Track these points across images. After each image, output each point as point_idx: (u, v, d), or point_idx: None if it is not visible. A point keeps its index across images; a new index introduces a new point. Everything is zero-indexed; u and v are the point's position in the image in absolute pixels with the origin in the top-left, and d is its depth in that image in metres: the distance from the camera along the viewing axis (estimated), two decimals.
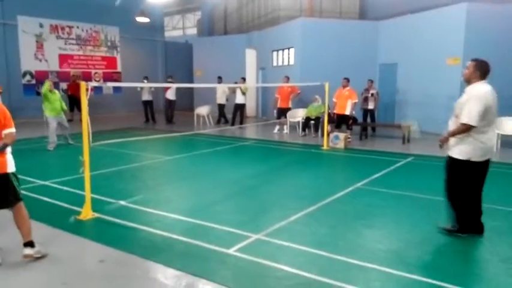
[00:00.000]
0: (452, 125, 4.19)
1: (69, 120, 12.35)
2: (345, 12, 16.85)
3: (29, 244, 3.65)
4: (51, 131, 9.44)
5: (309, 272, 3.46)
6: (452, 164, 4.19)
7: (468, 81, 4.12)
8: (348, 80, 10.90)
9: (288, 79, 12.73)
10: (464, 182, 4.16)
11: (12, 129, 3.61)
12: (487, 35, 11.02)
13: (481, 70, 4.04)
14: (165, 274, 3.51)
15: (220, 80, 14.88)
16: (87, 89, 4.63)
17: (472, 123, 3.88)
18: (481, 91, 3.96)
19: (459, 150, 4.09)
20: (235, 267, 3.60)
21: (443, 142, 4.23)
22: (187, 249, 3.98)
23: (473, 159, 4.04)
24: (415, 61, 12.76)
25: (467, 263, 3.86)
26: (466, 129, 3.95)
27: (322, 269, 3.55)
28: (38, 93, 16.36)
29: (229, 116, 14.46)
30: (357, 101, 10.92)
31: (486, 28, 11.07)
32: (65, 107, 9.79)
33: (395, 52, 13.60)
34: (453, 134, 4.08)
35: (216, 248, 3.93)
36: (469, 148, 4.02)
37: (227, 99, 14.76)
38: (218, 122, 14.99)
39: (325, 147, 9.79)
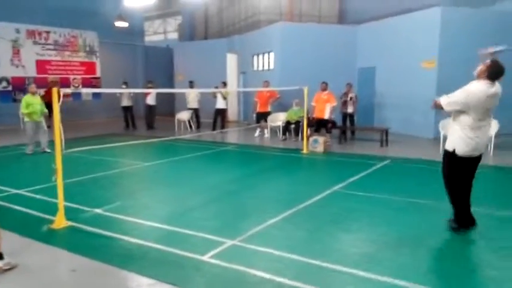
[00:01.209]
0: (452, 118, 4.31)
1: (48, 127, 12.14)
2: (324, 16, 17.02)
3: None
4: (28, 134, 9.37)
5: (284, 277, 3.47)
6: (443, 154, 4.40)
7: (477, 77, 4.19)
8: (326, 84, 11.01)
9: (268, 83, 12.82)
10: (452, 173, 4.33)
11: None
12: (460, 39, 11.28)
13: (490, 71, 4.09)
14: (139, 283, 3.47)
15: (191, 84, 14.84)
16: (59, 96, 4.56)
17: (443, 103, 4.15)
18: (473, 86, 4.08)
19: (448, 141, 4.29)
20: (210, 274, 3.58)
21: (433, 107, 4.41)
22: (162, 257, 3.94)
23: (458, 152, 4.18)
24: (393, 64, 12.98)
25: (442, 262, 3.92)
26: (437, 105, 4.22)
27: (298, 273, 3.56)
28: (15, 100, 16.08)
29: (209, 120, 14.41)
30: (335, 104, 11.04)
31: (460, 32, 11.34)
32: (45, 110, 9.64)
33: (373, 56, 13.80)
34: (434, 104, 4.30)
35: (191, 255, 3.91)
36: (455, 141, 4.18)
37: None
38: (199, 126, 14.92)
39: (304, 151, 9.85)
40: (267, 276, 3.49)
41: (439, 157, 8.87)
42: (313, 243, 4.29)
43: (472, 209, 4.46)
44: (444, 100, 4.16)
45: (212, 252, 3.96)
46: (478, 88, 4.05)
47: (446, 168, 4.40)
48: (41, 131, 9.53)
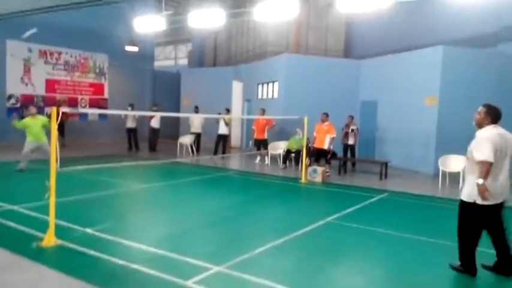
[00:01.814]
0: (468, 169, 4.27)
1: (63, 145, 12.30)
2: (330, 50, 17.36)
3: None
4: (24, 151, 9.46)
5: None
6: (460, 206, 4.23)
7: (479, 125, 4.20)
8: (327, 114, 11.10)
9: (263, 111, 13.03)
10: (471, 224, 4.15)
11: None
12: (462, 78, 11.43)
13: (492, 115, 4.13)
14: None
15: (197, 109, 15.03)
16: (58, 114, 4.68)
17: (489, 159, 3.89)
18: (488, 133, 4.05)
19: (466, 192, 4.14)
20: None
21: (484, 193, 3.92)
22: (146, 279, 3.93)
23: (479, 202, 4.01)
24: (395, 99, 13.10)
25: None
26: (486, 166, 3.90)
27: None
28: (22, 117, 16.34)
29: (211, 145, 14.51)
30: (335, 136, 11.07)
31: (461, 70, 11.49)
32: (44, 138, 9.46)
33: (375, 90, 13.96)
34: (482, 176, 3.90)
35: (175, 280, 3.89)
36: (474, 190, 3.98)
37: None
38: (198, 150, 15.00)
39: (303, 180, 9.86)
40: None
41: (437, 193, 8.93)
42: (299, 274, 4.26)
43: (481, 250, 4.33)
44: (483, 157, 3.90)
45: (196, 278, 3.94)
46: (493, 132, 4.05)
47: (464, 220, 4.21)
48: (41, 152, 9.45)
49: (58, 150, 4.74)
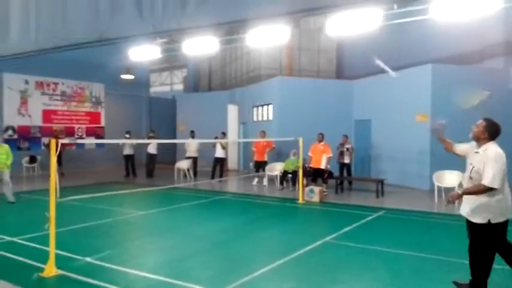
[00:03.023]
0: (467, 183, 4.15)
1: (62, 174, 12.35)
2: (323, 71, 17.69)
3: None
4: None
5: None
6: (475, 229, 4.07)
7: (477, 139, 4.11)
8: (322, 135, 11.29)
9: (264, 134, 13.19)
10: (487, 245, 4.03)
11: None
12: (450, 93, 11.64)
13: (491, 131, 4.02)
14: None
15: (193, 134, 15.18)
16: (57, 146, 4.79)
17: (495, 185, 3.83)
18: (498, 153, 3.93)
19: (477, 214, 3.99)
20: None
21: (454, 199, 4.09)
22: None
23: (493, 220, 3.93)
24: (388, 118, 13.32)
25: None
26: (485, 191, 3.88)
27: None
28: (19, 148, 16.45)
29: (209, 169, 14.58)
30: (331, 155, 11.25)
31: (449, 87, 11.67)
32: (8, 163, 9.51)
33: (368, 109, 14.19)
34: (469, 192, 3.98)
35: None
36: (487, 210, 3.93)
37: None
38: (195, 174, 15.05)
39: (300, 200, 9.92)
40: None
41: (433, 209, 9.01)
42: None
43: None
44: (491, 183, 3.83)
45: None
46: (499, 151, 3.96)
47: (479, 242, 4.04)
48: (4, 181, 9.43)
49: (57, 180, 4.83)
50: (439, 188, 9.85)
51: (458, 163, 10.22)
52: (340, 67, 18.56)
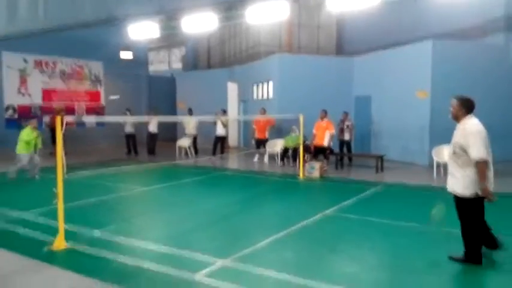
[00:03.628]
0: (450, 161, 4.35)
1: (51, 153, 12.47)
2: (323, 48, 17.60)
3: None
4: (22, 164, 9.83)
5: None
6: (460, 201, 4.27)
7: (456, 118, 4.30)
8: (325, 111, 11.35)
9: (264, 111, 13.23)
10: (475, 216, 4.22)
11: None
12: (451, 70, 11.67)
13: (466, 106, 4.23)
14: None
15: (191, 111, 15.21)
16: (62, 123, 4.87)
17: (484, 156, 3.99)
18: (474, 125, 4.13)
19: (463, 186, 4.16)
20: None
21: (490, 195, 4.08)
22: (154, 276, 4.13)
23: (480, 193, 4.09)
24: (387, 94, 13.35)
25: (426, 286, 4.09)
26: (484, 165, 4.02)
27: None
28: (20, 127, 16.50)
29: (210, 146, 14.70)
30: (333, 132, 11.34)
31: (451, 63, 11.74)
32: (40, 146, 10.22)
33: (368, 85, 14.20)
34: (482, 177, 4.02)
35: (183, 274, 4.10)
36: (473, 183, 4.09)
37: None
38: (196, 152, 15.15)
39: (301, 176, 10.07)
40: None
41: (432, 182, 9.17)
42: (299, 263, 4.49)
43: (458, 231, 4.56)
44: (480, 155, 3.99)
45: (203, 272, 4.15)
46: (475, 123, 4.16)
47: (468, 213, 4.24)
48: (33, 162, 9.99)
49: (64, 157, 4.94)
50: (438, 163, 10.00)
51: None
52: (340, 43, 18.45)
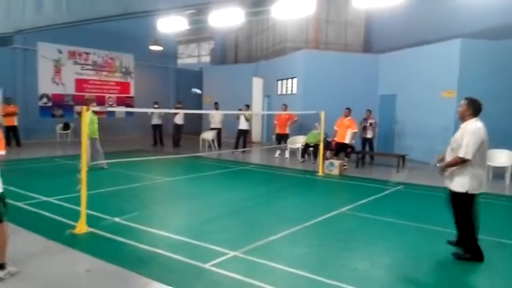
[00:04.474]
0: (448, 157, 4.55)
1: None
2: (350, 45, 17.43)
3: (0, 266, 3.79)
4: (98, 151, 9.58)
5: (278, 287, 3.77)
6: (455, 197, 4.51)
7: (462, 118, 4.50)
8: (349, 110, 11.30)
9: (286, 107, 13.30)
10: (468, 212, 4.46)
11: (2, 152, 3.93)
12: (479, 70, 11.38)
13: (474, 108, 4.41)
14: (144, 283, 3.87)
15: (217, 105, 15.43)
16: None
17: (468, 157, 4.25)
18: (474, 127, 4.33)
19: (459, 183, 4.41)
20: (209, 281, 3.92)
21: (441, 172, 4.60)
22: (168, 262, 4.32)
23: (470, 191, 4.37)
24: (413, 93, 13.14)
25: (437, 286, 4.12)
26: (461, 162, 4.32)
27: (291, 286, 3.86)
28: (53, 115, 17.23)
29: (233, 140, 14.90)
30: (356, 130, 11.28)
31: (479, 63, 11.44)
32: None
33: (394, 84, 14.02)
34: (449, 165, 4.44)
35: (195, 263, 4.27)
36: (466, 181, 4.35)
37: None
38: (219, 145, 15.40)
39: (320, 173, 10.11)
40: (262, 285, 3.79)
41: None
42: (310, 258, 4.58)
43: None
44: (465, 154, 4.24)
45: (214, 261, 4.31)
46: (478, 126, 4.36)
47: (461, 209, 4.49)
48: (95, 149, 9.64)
49: (89, 146, 5.20)
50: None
51: None
52: (368, 40, 18.22)
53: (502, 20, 12.84)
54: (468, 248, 4.55)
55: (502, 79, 11.40)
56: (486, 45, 11.82)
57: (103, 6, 5.00)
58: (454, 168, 4.41)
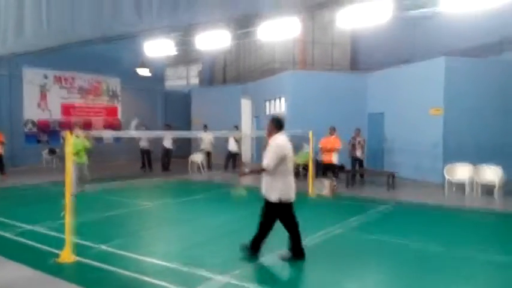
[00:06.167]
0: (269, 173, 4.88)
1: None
2: (336, 64, 17.67)
3: None
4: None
5: None
6: (268, 205, 4.96)
7: (269, 134, 4.96)
8: (334, 128, 11.32)
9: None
10: (272, 218, 5.00)
11: None
12: (464, 87, 11.57)
13: (275, 124, 4.94)
14: None
15: (206, 128, 15.36)
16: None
17: (269, 168, 4.74)
18: (277, 143, 4.80)
19: (274, 196, 4.83)
20: None
21: (241, 175, 5.42)
22: None
23: (284, 199, 4.87)
24: (400, 111, 13.28)
25: None
26: (262, 171, 4.86)
27: None
28: (39, 141, 16.97)
29: (222, 162, 14.79)
30: (339, 147, 11.23)
31: (464, 80, 11.65)
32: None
33: (382, 102, 14.17)
34: (251, 171, 5.32)
35: None
36: (281, 190, 4.81)
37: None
38: (209, 167, 15.27)
39: (310, 193, 10.03)
40: None
41: (443, 201, 9.02)
42: (298, 281, 4.49)
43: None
44: (267, 165, 4.73)
45: (201, 287, 4.18)
46: (281, 138, 4.87)
47: (269, 215, 4.98)
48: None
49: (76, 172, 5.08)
50: (450, 182, 9.84)
51: (471, 157, 10.21)
52: (354, 60, 18.50)
53: (485, 38, 13.17)
54: (256, 245, 5.07)
55: (486, 95, 11.59)
56: (470, 62, 12.05)
57: (82, 31, 4.99)
58: (267, 180, 4.88)
